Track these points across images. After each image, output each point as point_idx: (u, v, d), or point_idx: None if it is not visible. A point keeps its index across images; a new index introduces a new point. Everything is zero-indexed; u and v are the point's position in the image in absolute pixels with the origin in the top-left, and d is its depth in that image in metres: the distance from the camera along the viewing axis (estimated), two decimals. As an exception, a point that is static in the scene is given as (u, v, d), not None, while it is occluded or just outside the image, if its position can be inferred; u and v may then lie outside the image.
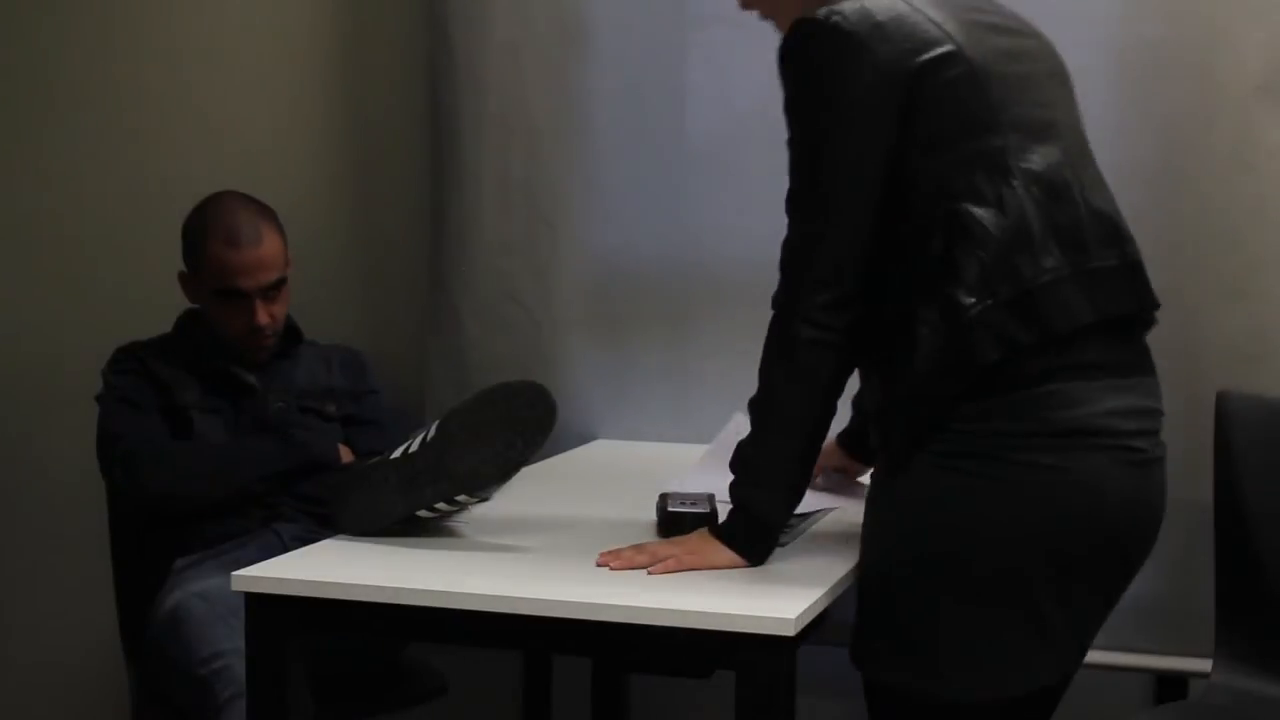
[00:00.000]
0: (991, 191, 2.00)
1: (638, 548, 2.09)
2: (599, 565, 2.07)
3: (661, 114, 3.12)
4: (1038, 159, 2.04)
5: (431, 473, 2.21)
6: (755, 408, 2.08)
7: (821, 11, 2.03)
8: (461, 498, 2.23)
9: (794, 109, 2.05)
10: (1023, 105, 2.07)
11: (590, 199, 3.17)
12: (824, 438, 2.09)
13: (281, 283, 2.91)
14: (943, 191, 2.01)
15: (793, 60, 2.05)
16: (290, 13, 3.47)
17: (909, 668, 2.06)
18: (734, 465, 2.10)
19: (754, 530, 2.08)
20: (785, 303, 2.04)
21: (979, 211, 1.99)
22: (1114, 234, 2.08)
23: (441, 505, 2.23)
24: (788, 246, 2.05)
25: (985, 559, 2.00)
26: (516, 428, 2.21)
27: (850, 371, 2.08)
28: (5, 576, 3.72)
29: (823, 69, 2.01)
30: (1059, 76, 2.18)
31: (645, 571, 2.04)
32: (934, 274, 2.00)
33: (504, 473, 2.22)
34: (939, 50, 2.02)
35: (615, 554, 2.08)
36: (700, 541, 2.09)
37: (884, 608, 2.08)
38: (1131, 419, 2.04)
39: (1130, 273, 2.09)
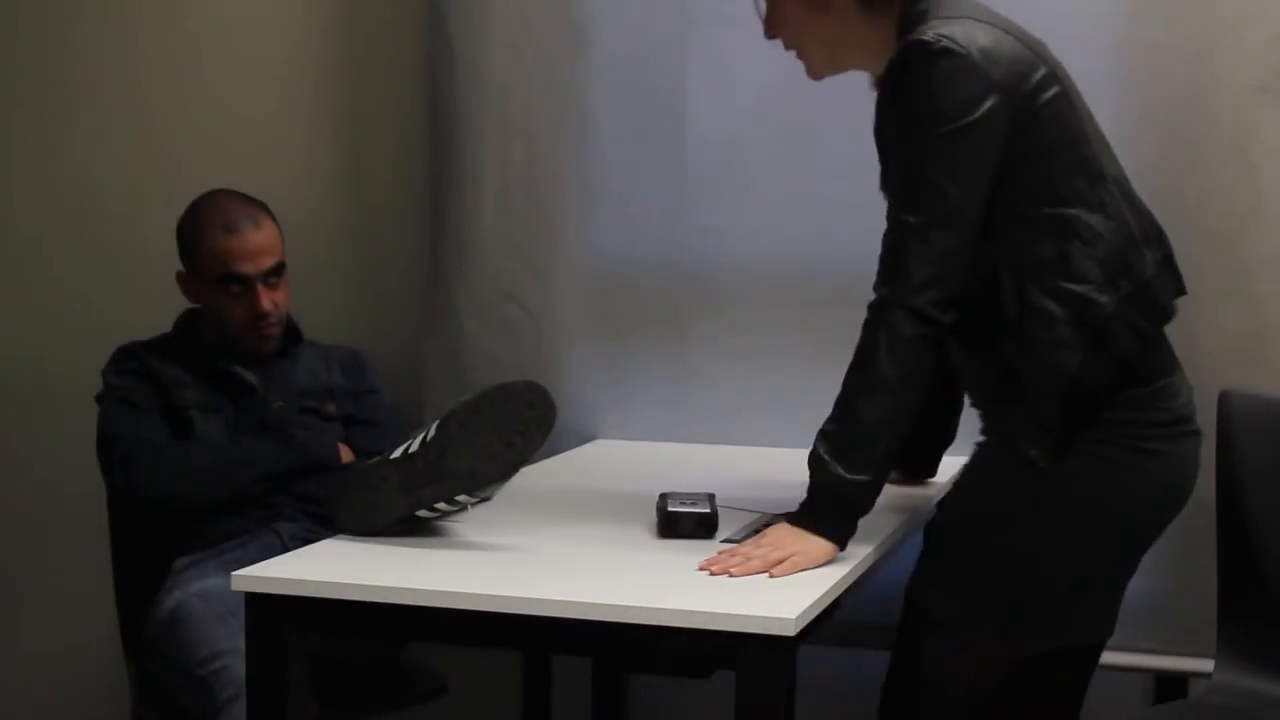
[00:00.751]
0: (1094, 196, 2.18)
1: (737, 553, 2.07)
2: (702, 569, 2.04)
3: (661, 114, 3.12)
4: (1111, 164, 2.24)
5: (431, 473, 2.21)
6: (849, 399, 2.12)
7: (929, 34, 2.14)
8: (461, 498, 2.23)
9: (914, 124, 2.15)
10: (1090, 117, 2.25)
11: (590, 199, 3.17)
12: (909, 430, 2.16)
13: (281, 268, 2.91)
14: (1050, 197, 2.17)
15: (911, 79, 2.15)
16: (290, 13, 3.47)
17: (1001, 621, 2.22)
18: (820, 451, 2.12)
19: (843, 514, 2.12)
20: (894, 297, 2.12)
21: (1088, 216, 2.17)
22: (1159, 229, 2.28)
23: (441, 505, 2.23)
24: (899, 245, 2.14)
25: (1109, 534, 2.23)
26: (516, 428, 2.21)
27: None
28: (5, 576, 3.72)
29: (943, 89, 2.12)
30: None
31: (767, 575, 2.03)
32: (1048, 272, 2.16)
33: (504, 473, 2.22)
34: (1041, 72, 2.18)
35: (719, 563, 2.05)
36: (795, 537, 2.09)
37: (994, 571, 2.22)
38: (1192, 405, 2.29)
39: (1171, 262, 2.29)
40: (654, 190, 3.13)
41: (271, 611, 2.03)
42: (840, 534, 2.12)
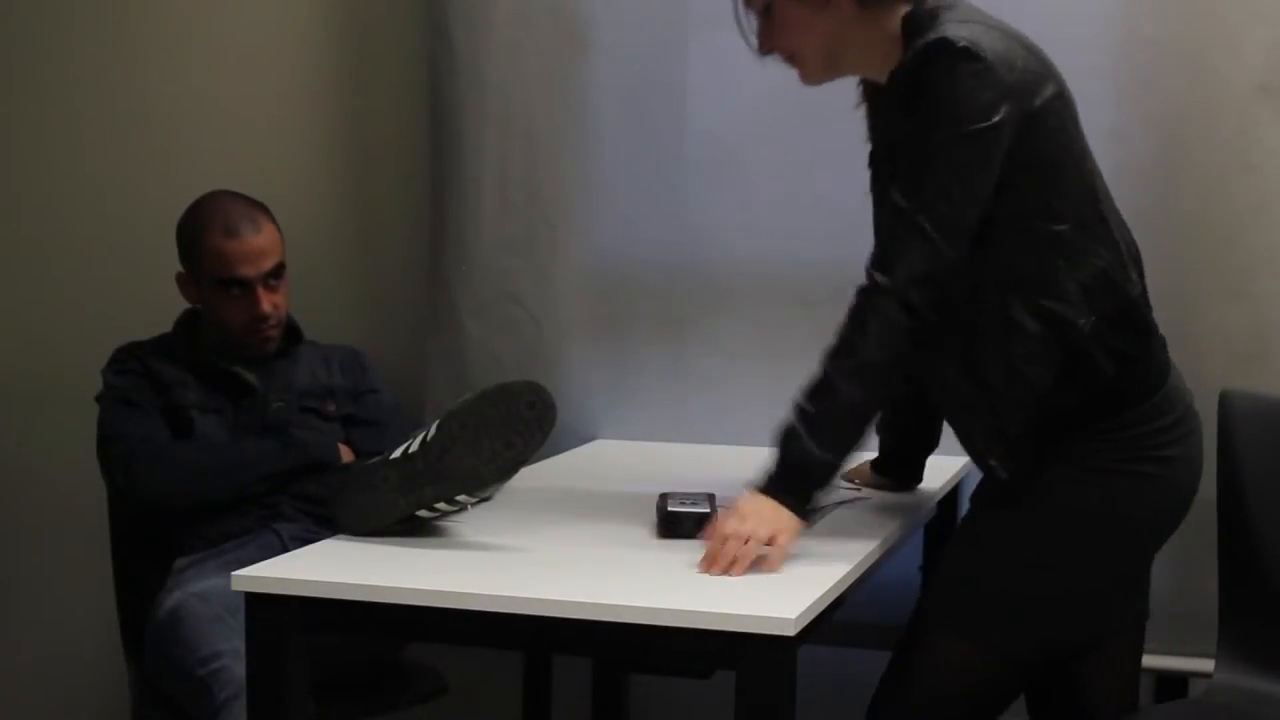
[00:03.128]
0: (1086, 215, 2.19)
1: (730, 543, 2.07)
2: (703, 571, 2.05)
3: (661, 114, 3.12)
4: (1102, 186, 2.25)
5: (431, 473, 2.21)
6: (830, 379, 2.13)
7: (949, 33, 2.13)
8: (461, 498, 2.23)
9: (931, 124, 2.14)
10: (1084, 136, 2.25)
11: (590, 199, 3.17)
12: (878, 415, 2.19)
13: (281, 269, 2.91)
14: (1043, 212, 2.17)
15: (932, 78, 2.14)
16: (291, 13, 3.47)
17: (1023, 626, 2.24)
18: (796, 425, 2.13)
19: (807, 488, 2.13)
20: (891, 286, 2.12)
21: (1078, 235, 2.18)
22: (1138, 252, 2.30)
23: (441, 505, 2.23)
24: (901, 237, 2.13)
25: (1138, 540, 2.28)
26: (516, 428, 2.21)
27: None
28: (5, 576, 3.72)
29: (963, 91, 2.11)
30: None
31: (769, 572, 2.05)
32: (1030, 288, 2.17)
33: (503, 472, 2.22)
34: (1050, 84, 2.18)
35: (720, 563, 2.05)
36: (773, 511, 2.10)
37: (1021, 581, 2.23)
38: (1188, 390, 2.32)
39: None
40: (654, 190, 3.13)
41: (271, 611, 2.03)
42: (804, 509, 2.13)
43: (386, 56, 3.42)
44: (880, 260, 2.15)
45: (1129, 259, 2.23)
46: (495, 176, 3.20)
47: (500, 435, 2.21)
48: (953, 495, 2.85)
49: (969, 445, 2.31)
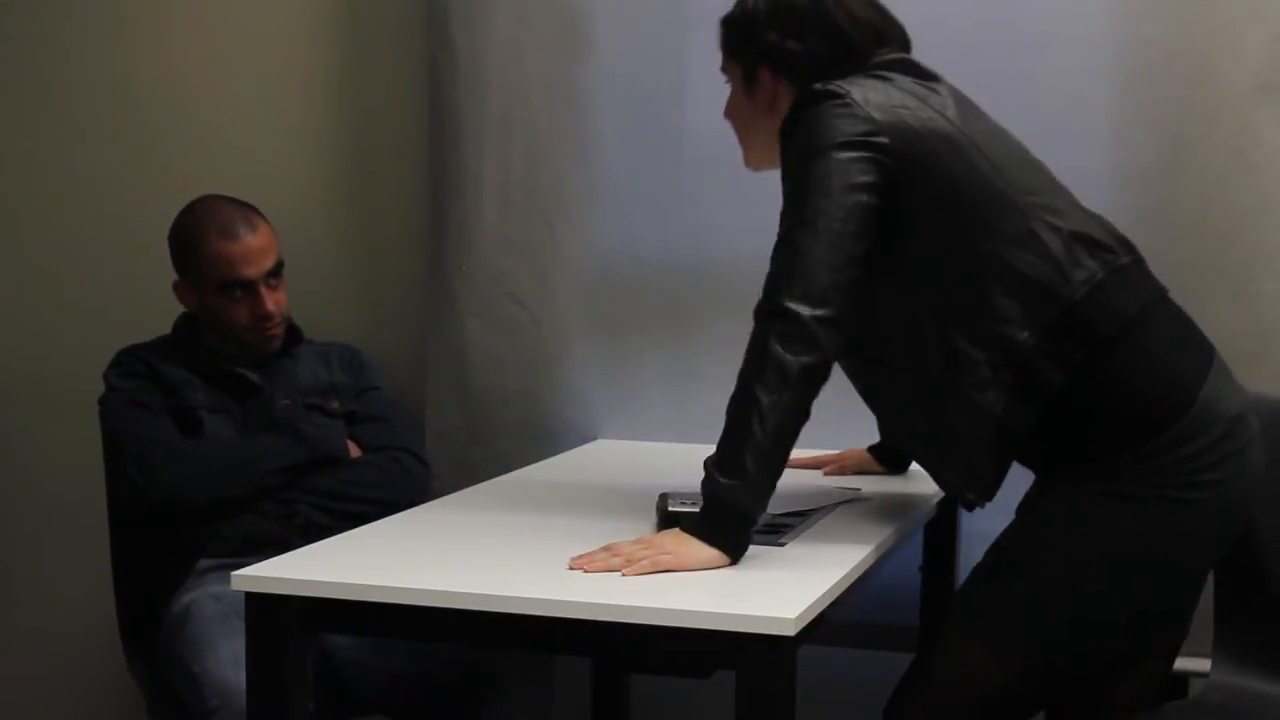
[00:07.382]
0: (1010, 229, 2.16)
1: (610, 549, 2.06)
2: (571, 569, 2.03)
3: (661, 114, 3.12)
4: (1037, 188, 2.21)
5: None
6: (733, 407, 2.11)
7: (817, 85, 2.18)
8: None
9: (792, 156, 2.18)
10: (1000, 142, 2.24)
11: (590, 199, 3.17)
12: (797, 435, 2.11)
13: (280, 267, 2.92)
14: (964, 239, 2.16)
15: (795, 124, 2.19)
16: (290, 13, 3.47)
17: (1058, 648, 2.22)
18: (708, 462, 2.10)
19: (728, 523, 2.07)
20: (762, 304, 2.13)
21: (1004, 250, 2.15)
22: (1117, 238, 2.24)
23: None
24: (774, 259, 2.14)
25: (1183, 569, 2.25)
26: None
27: (824, 380, 2.12)
28: (5, 578, 3.72)
29: (820, 123, 2.15)
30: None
31: (620, 574, 2.00)
32: (968, 315, 2.15)
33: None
34: (934, 120, 2.18)
35: (588, 557, 2.05)
36: (674, 540, 2.07)
37: (1059, 605, 2.20)
38: (1234, 396, 2.26)
39: (1126, 271, 2.23)
40: (654, 189, 3.13)
41: (271, 611, 2.03)
42: (728, 542, 2.06)
43: (386, 56, 3.42)
44: (769, 287, 2.12)
45: (1069, 261, 2.16)
46: (495, 176, 3.20)
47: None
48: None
49: (941, 480, 2.30)
